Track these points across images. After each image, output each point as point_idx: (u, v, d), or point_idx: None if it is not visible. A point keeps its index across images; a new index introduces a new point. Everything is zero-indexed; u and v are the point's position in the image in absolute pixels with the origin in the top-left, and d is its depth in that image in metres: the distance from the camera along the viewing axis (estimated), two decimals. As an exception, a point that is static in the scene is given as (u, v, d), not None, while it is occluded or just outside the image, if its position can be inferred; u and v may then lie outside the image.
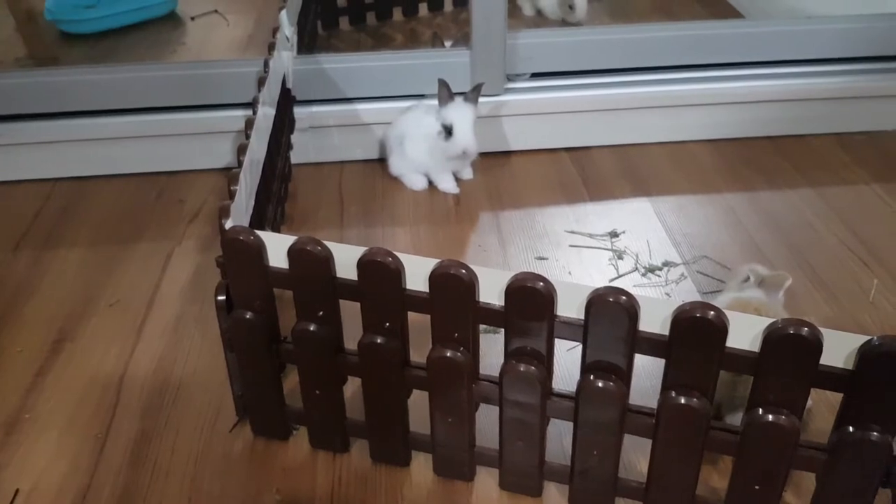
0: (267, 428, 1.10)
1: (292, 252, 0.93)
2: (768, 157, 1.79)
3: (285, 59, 1.59)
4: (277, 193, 1.42)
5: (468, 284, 0.88)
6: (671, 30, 1.86)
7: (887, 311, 1.32)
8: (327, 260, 0.92)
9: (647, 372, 1.15)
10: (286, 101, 1.59)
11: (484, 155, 1.76)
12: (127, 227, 1.57)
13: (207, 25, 2.46)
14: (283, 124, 1.54)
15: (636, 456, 1.05)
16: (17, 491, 1.03)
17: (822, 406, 1.12)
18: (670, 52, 1.84)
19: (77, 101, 1.72)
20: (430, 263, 0.89)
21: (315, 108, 1.74)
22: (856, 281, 1.39)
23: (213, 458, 1.07)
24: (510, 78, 1.80)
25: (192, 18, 2.49)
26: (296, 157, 1.71)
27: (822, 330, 0.81)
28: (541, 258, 1.47)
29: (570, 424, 0.94)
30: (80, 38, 2.35)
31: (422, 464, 1.06)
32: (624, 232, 1.53)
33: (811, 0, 2.36)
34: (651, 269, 1.43)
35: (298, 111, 1.71)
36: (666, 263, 1.44)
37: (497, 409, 0.96)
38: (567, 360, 1.18)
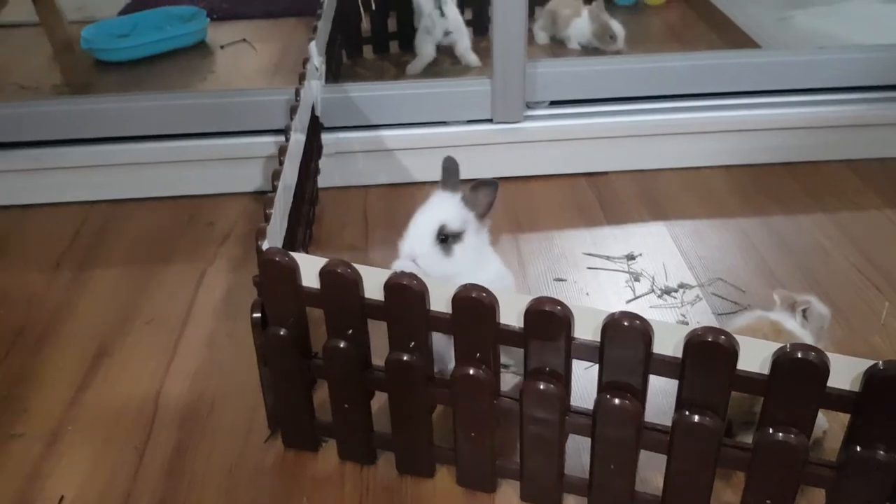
0: (298, 440, 1.14)
1: (324, 273, 0.98)
2: (782, 183, 1.82)
3: (314, 88, 1.65)
4: (306, 216, 1.47)
5: (489, 307, 0.92)
6: (688, 59, 1.90)
7: (898, 333, 1.35)
8: (356, 282, 0.97)
9: (661, 390, 1.18)
10: (314, 128, 1.65)
11: (504, 180, 1.80)
12: (161, 248, 1.63)
13: (236, 54, 2.53)
14: (312, 150, 1.60)
15: (652, 471, 1.08)
16: (61, 498, 1.08)
17: (835, 425, 1.15)
18: (687, 80, 1.88)
19: (112, 127, 1.78)
20: (452, 287, 0.94)
21: (341, 135, 1.80)
22: (867, 304, 1.42)
23: (246, 469, 1.12)
24: (529, 105, 1.85)
25: (222, 47, 2.56)
26: (322, 181, 1.77)
27: (830, 355, 0.84)
28: (559, 279, 1.51)
29: (589, 440, 0.97)
30: (114, 65, 2.42)
31: (446, 475, 1.10)
32: (640, 255, 1.57)
33: (827, 29, 2.40)
34: (667, 291, 1.47)
35: (325, 137, 1.77)
36: (681, 286, 1.48)
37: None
38: (585, 377, 1.21)
